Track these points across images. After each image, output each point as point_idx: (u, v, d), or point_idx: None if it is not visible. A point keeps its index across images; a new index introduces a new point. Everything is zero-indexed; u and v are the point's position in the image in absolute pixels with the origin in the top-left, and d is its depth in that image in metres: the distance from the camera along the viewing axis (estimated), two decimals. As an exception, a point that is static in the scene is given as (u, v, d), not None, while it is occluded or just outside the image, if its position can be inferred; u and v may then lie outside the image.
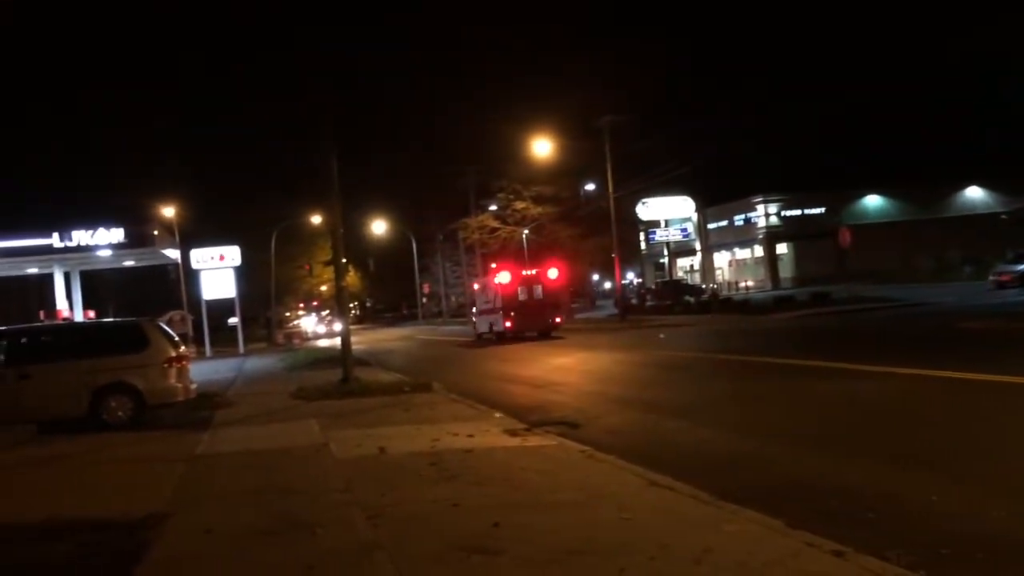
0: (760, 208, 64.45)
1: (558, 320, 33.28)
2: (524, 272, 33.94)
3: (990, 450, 7.54)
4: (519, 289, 32.41)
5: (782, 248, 65.24)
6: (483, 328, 34.99)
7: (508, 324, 31.86)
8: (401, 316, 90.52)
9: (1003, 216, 58.21)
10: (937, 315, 25.60)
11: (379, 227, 68.53)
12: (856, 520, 5.64)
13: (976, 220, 60.61)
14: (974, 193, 64.94)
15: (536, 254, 48.93)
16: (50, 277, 35.54)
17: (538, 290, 32.74)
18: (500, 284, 32.86)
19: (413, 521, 6.15)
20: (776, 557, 4.78)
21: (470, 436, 9.77)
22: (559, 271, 34.67)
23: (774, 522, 5.52)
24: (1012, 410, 9.30)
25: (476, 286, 39.21)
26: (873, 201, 64.40)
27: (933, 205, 63.03)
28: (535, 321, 32.07)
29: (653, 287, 59.04)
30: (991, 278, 37.56)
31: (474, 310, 38.31)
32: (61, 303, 34.44)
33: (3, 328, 17.06)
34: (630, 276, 70.71)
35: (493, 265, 50.60)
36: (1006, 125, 67.60)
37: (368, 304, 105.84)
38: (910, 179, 62.04)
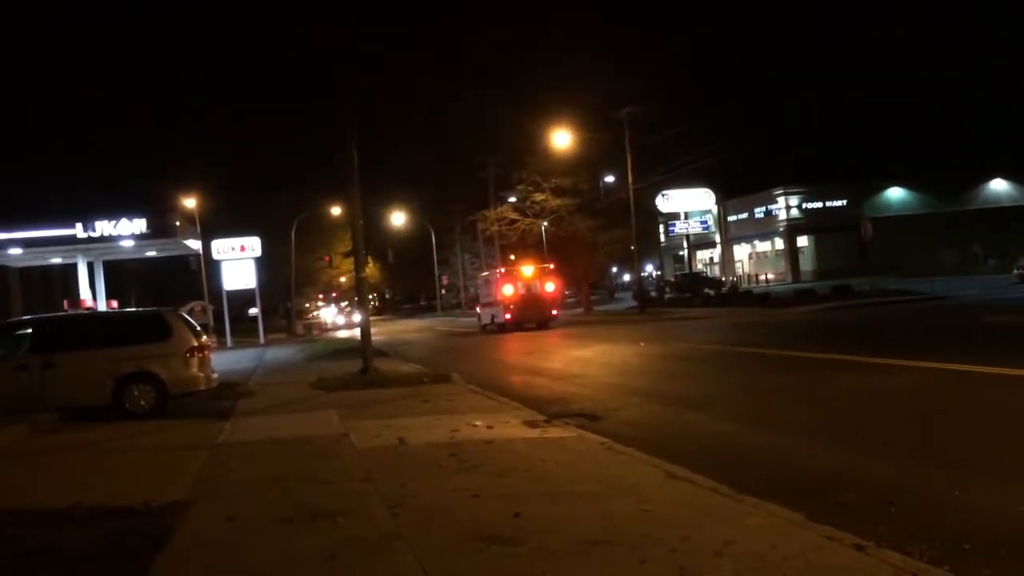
0: (781, 200, 64.08)
1: (554, 313, 35.60)
2: (523, 269, 36.78)
3: (1013, 444, 7.47)
4: (518, 284, 35.00)
5: (803, 241, 64.86)
6: (486, 320, 37.31)
7: (508, 316, 34.36)
8: (420, 307, 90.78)
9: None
10: (960, 308, 25.38)
11: (398, 218, 68.73)
12: (877, 514, 5.61)
13: (1000, 213, 59.97)
14: (998, 186, 64.24)
15: (555, 246, 49.19)
16: (73, 267, 35.86)
17: (536, 285, 35.25)
18: (501, 279, 35.56)
19: (433, 511, 6.18)
20: (797, 550, 4.76)
21: (490, 427, 9.79)
22: (555, 268, 37.97)
23: (795, 515, 5.50)
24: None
25: (480, 281, 42.04)
26: (896, 193, 63.85)
27: (956, 198, 62.38)
28: (533, 313, 34.59)
29: (672, 279, 58.88)
30: (1015, 271, 37.20)
31: (479, 303, 41.11)
32: (84, 293, 34.75)
33: (29, 317, 17.29)
34: (649, 268, 70.52)
35: (512, 257, 50.88)
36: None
37: (387, 295, 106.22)
38: (933, 171, 61.48)
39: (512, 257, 59.02)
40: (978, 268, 48.85)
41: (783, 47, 76.62)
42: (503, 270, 37.38)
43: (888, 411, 9.67)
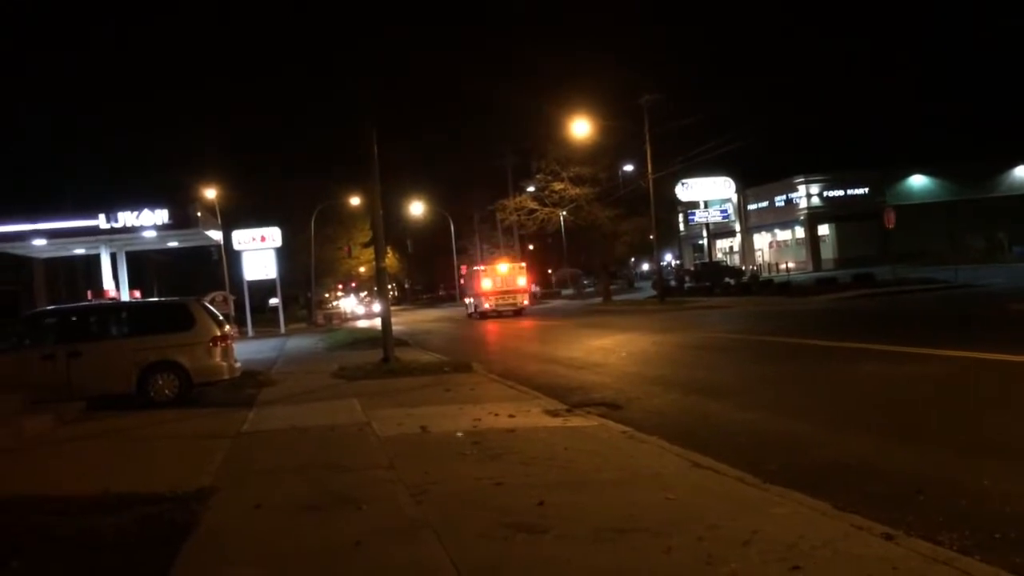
0: (802, 188, 63.50)
1: (525, 303, 42.28)
2: (499, 266, 42.66)
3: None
4: (496, 279, 41.32)
5: (824, 229, 64.27)
6: (471, 309, 43.76)
7: (488, 305, 40.84)
8: (439, 297, 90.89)
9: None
10: (984, 297, 25.11)
11: (417, 208, 68.82)
12: (905, 503, 5.56)
13: (1026, 200, 59.17)
14: (1023, 173, 63.32)
15: (574, 235, 49.33)
16: (97, 258, 36.05)
17: (511, 279, 41.45)
18: (481, 274, 42.10)
19: (457, 499, 6.20)
20: (825, 540, 4.73)
21: (511, 416, 9.80)
22: (527, 264, 44.94)
23: (822, 504, 5.46)
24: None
25: (464, 275, 49.19)
26: (918, 181, 63.09)
27: (980, 185, 61.55)
28: (508, 303, 40.85)
29: (692, 269, 58.59)
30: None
31: (465, 294, 47.74)
32: (108, 283, 34.99)
33: (54, 307, 17.47)
34: (668, 258, 70.20)
35: (530, 247, 51.01)
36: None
37: (406, 285, 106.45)
38: (956, 158, 60.67)
39: (531, 247, 59.03)
40: (1003, 256, 48.22)
41: (804, 33, 75.82)
42: (483, 266, 42.91)
43: (914, 400, 9.58)
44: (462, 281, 78.29)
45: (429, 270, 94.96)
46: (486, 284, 41.21)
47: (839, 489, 5.92)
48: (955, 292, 28.67)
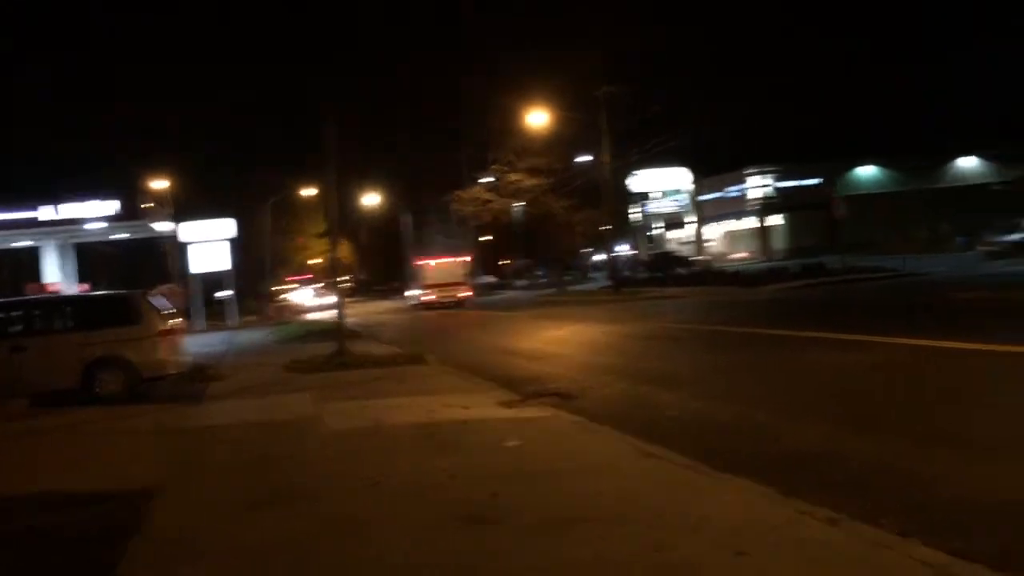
0: (753, 179, 64.30)
1: (467, 294, 43.50)
2: (441, 259, 43.90)
3: (983, 418, 7.58)
4: (437, 272, 42.99)
5: (776, 219, 65.18)
6: (415, 301, 44.99)
7: (430, 297, 42.54)
8: (393, 289, 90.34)
9: (995, 187, 58.16)
10: (928, 285, 25.68)
11: (372, 199, 68.21)
12: (851, 489, 5.68)
13: (969, 191, 60.61)
14: (967, 163, 64.87)
15: (529, 226, 49.55)
16: (42, 250, 35.29)
17: (452, 272, 43.12)
18: (424, 268, 43.65)
19: (410, 492, 6.18)
20: (771, 525, 4.82)
21: (465, 408, 9.79)
22: (474, 256, 46.94)
23: (769, 491, 5.55)
24: (1003, 378, 9.36)
25: (410, 269, 49.81)
26: (867, 171, 64.27)
27: (927, 175, 62.92)
28: (449, 296, 42.30)
29: (646, 259, 59.09)
30: (979, 248, 37.81)
31: (409, 286, 49.53)
32: (53, 276, 34.22)
33: (-4, 301, 16.97)
34: (623, 248, 70.68)
35: (490, 237, 51.00)
36: (1000, 94, 67.62)
37: (361, 277, 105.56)
38: (904, 149, 61.91)
39: (491, 237, 58.92)
40: (948, 246, 49.38)
41: (759, 26, 76.72)
42: (425, 260, 44.16)
43: (862, 387, 9.76)
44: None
45: (383, 261, 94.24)
46: (427, 277, 42.86)
47: (788, 476, 6.02)
48: (902, 281, 29.28)
